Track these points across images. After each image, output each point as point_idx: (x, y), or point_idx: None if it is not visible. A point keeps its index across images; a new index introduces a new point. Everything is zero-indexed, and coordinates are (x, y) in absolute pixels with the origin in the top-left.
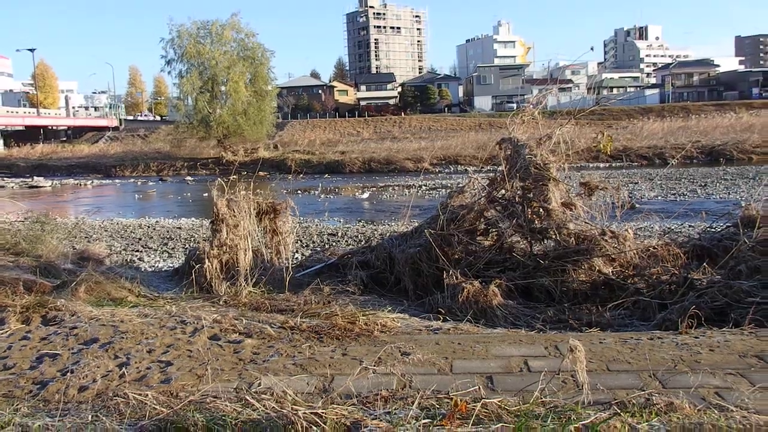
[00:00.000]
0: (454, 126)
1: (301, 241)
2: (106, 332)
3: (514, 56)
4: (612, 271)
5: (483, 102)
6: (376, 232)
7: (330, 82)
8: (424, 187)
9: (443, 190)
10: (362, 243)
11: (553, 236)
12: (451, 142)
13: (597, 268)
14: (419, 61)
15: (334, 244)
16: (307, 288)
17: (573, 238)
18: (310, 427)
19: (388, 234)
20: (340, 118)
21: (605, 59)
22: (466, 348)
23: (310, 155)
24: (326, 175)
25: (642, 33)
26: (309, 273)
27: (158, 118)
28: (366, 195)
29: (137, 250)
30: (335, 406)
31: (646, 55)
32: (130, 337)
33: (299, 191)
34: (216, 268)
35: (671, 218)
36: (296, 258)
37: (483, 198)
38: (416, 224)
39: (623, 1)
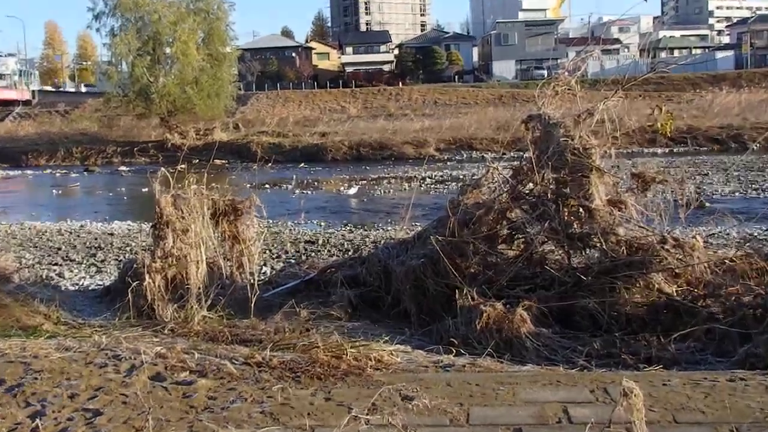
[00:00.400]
0: (467, 99)
1: (270, 250)
2: (13, 371)
3: (544, 9)
4: (676, 291)
5: (504, 68)
6: (367, 239)
7: (307, 42)
8: (428, 180)
9: (453, 183)
10: (350, 253)
11: (598, 244)
12: (463, 120)
13: (656, 286)
14: (421, 15)
15: (313, 254)
16: (279, 312)
17: (623, 247)
18: None
19: (382, 241)
20: (319, 90)
21: (663, 12)
22: (487, 391)
23: (282, 138)
24: (302, 164)
25: None
26: (281, 292)
27: (83, 89)
28: (354, 190)
29: (56, 264)
30: None
31: (717, 7)
32: (47, 377)
33: (267, 185)
34: (159, 287)
35: (753, 221)
36: (264, 273)
37: (505, 194)
38: (419, 229)
39: None
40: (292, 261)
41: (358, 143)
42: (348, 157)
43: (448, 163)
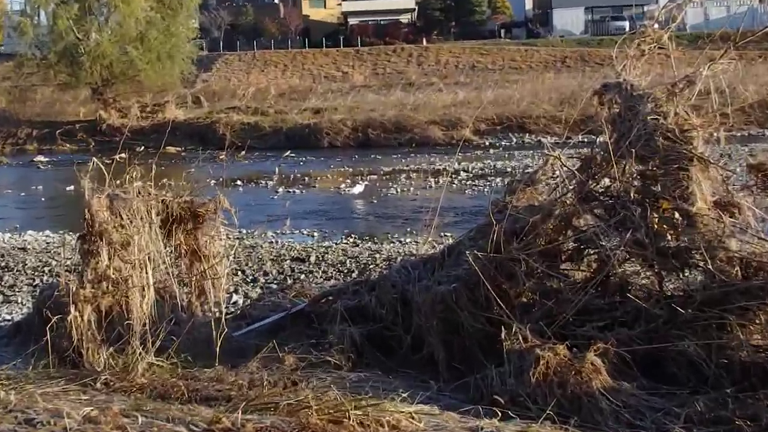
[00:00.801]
0: (517, 62)
1: (243, 272)
2: None
3: None
4: None
5: (569, 18)
6: (377, 256)
7: None
8: (463, 175)
9: (498, 179)
10: (353, 276)
11: (701, 263)
12: (511, 91)
13: None
14: None
15: (302, 277)
16: (256, 357)
17: (737, 268)
18: None
19: (399, 259)
20: (312, 50)
21: None
22: None
23: (260, 117)
24: (288, 153)
25: None
26: (258, 330)
27: None
28: (359, 188)
29: None
30: None
31: None
32: None
33: (240, 181)
34: (89, 322)
35: None
36: (236, 303)
37: (571, 194)
38: (450, 242)
39: None
40: (274, 286)
41: (366, 123)
42: (351, 142)
43: (491, 150)
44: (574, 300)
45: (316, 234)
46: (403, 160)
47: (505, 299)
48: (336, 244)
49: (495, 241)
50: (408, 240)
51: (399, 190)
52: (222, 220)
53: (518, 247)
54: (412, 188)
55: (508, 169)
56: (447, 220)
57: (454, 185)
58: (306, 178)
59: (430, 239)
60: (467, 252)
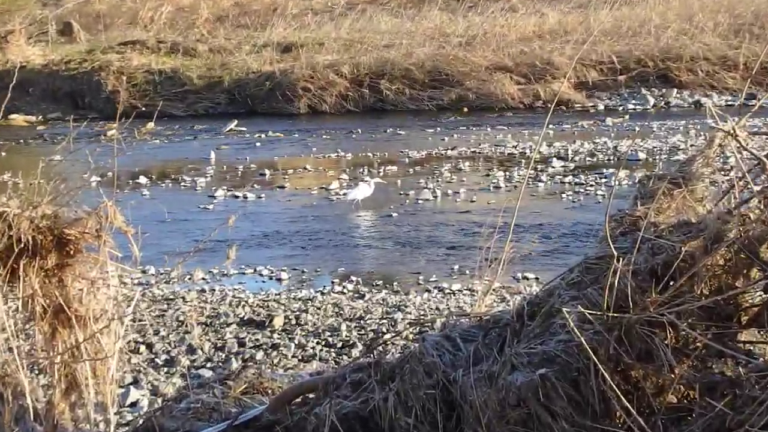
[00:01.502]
0: None
1: (149, 346)
2: None
3: None
4: None
5: None
6: (397, 317)
7: None
8: (556, 164)
9: (621, 172)
10: (352, 353)
11: None
12: (643, 12)
13: None
14: None
15: (259, 355)
16: None
17: None
18: None
19: (438, 323)
20: None
21: None
22: None
23: (182, 59)
24: (233, 124)
25: None
26: None
27: None
28: (364, 190)
29: None
30: None
31: None
32: None
33: (146, 178)
34: None
35: None
36: (136, 404)
37: (758, 200)
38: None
39: None
40: (207, 373)
41: (376, 71)
42: (350, 105)
43: (608, 120)
44: (765, 400)
45: (285, 275)
46: (445, 138)
47: (638, 398)
48: (322, 293)
49: (617, 289)
50: (455, 286)
51: (438, 192)
52: (112, 250)
53: (661, 301)
54: (462, 189)
55: (640, 155)
56: (527, 249)
57: (541, 184)
58: (268, 172)
59: (495, 285)
60: (565, 310)
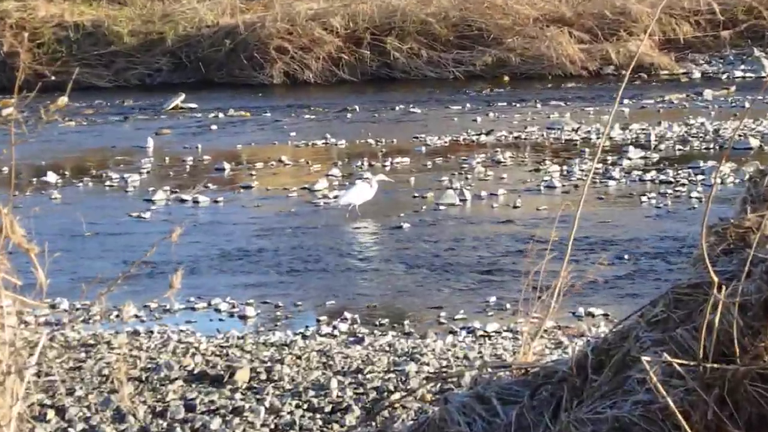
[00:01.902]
0: None
1: (60, 411)
2: None
3: None
4: None
5: None
6: (409, 368)
7: None
8: (632, 154)
9: (725, 167)
10: (347, 420)
11: None
12: None
13: None
14: None
15: (214, 423)
16: None
17: None
18: None
19: (467, 377)
20: None
21: None
22: None
23: (112, 11)
24: (179, 99)
25: None
26: None
27: None
28: (362, 191)
29: None
30: None
31: None
32: None
33: (56, 174)
34: None
35: None
36: None
37: None
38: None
39: None
40: None
41: (380, 24)
42: (343, 72)
43: (705, 93)
44: None
45: (251, 311)
46: (477, 119)
47: None
48: (304, 336)
49: (719, 329)
50: (491, 326)
51: (467, 194)
52: (7, 276)
53: None
54: (501, 191)
55: (752, 142)
56: (592, 274)
57: (612, 183)
58: (228, 166)
59: (547, 325)
60: (645, 359)
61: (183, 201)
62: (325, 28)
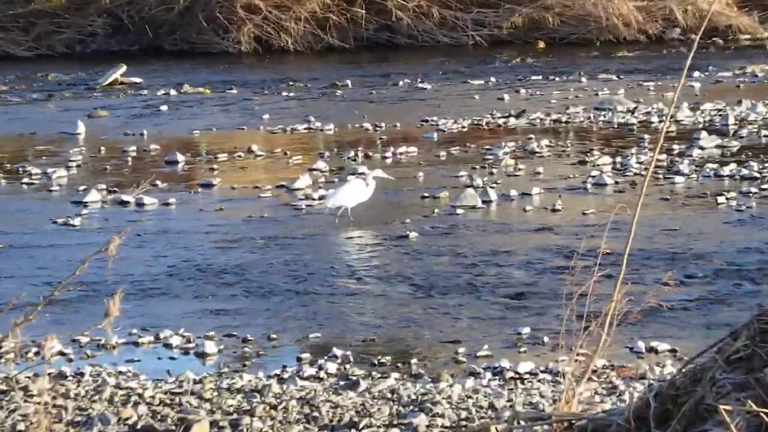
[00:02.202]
0: None
1: None
2: None
3: None
4: None
5: None
6: (420, 416)
7: None
8: (704, 143)
9: None
10: None
11: None
12: None
13: None
14: None
15: None
16: None
17: None
18: None
19: None
20: None
21: None
22: None
23: None
24: (119, 71)
25: None
26: None
27: None
28: (355, 189)
29: None
30: None
31: None
32: None
33: None
34: None
35: None
36: None
37: None
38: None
39: None
40: None
41: None
42: (329, 34)
43: None
44: None
45: (212, 346)
46: (504, 97)
47: None
48: (281, 379)
49: None
50: (523, 366)
51: (492, 194)
52: None
53: None
54: (536, 189)
55: None
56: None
57: (680, 179)
58: (182, 158)
59: (597, 364)
60: (723, 408)
61: (124, 203)
62: None
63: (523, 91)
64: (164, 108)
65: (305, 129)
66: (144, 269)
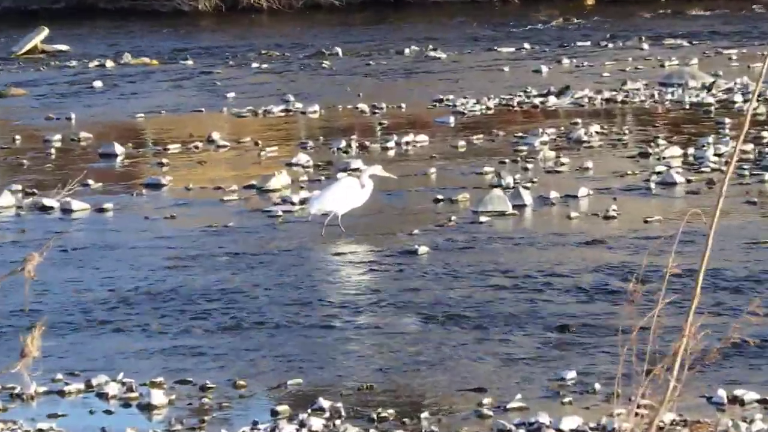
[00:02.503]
0: None
1: None
2: None
3: None
4: None
5: None
6: None
7: None
8: None
9: None
10: None
11: None
12: None
13: None
14: None
15: None
16: None
17: None
18: None
19: None
20: None
21: None
22: None
23: None
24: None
25: None
26: None
27: None
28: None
29: None
30: None
31: None
32: None
33: None
34: None
35: None
36: None
37: None
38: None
39: None
40: None
41: None
42: None
43: None
44: None
45: (161, 396)
46: (542, 69)
47: None
48: None
49: None
50: (568, 421)
51: (526, 197)
52: None
53: None
54: (583, 190)
55: None
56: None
57: None
58: (121, 149)
59: (665, 418)
60: None
61: (45, 209)
62: None
63: (566, 61)
64: (98, 84)
65: (282, 112)
66: (72, 295)
